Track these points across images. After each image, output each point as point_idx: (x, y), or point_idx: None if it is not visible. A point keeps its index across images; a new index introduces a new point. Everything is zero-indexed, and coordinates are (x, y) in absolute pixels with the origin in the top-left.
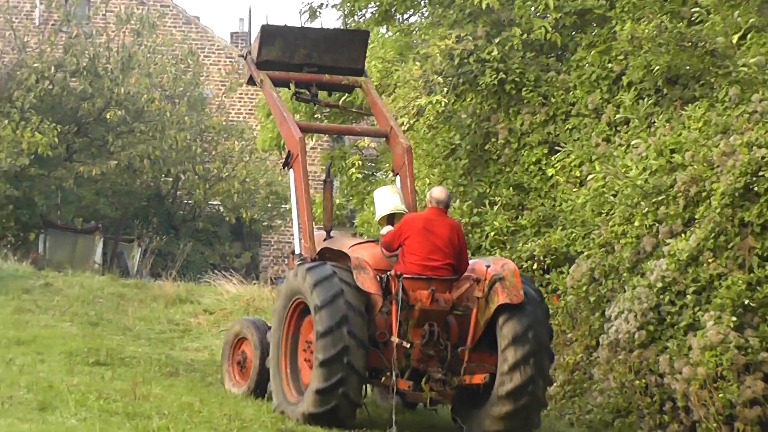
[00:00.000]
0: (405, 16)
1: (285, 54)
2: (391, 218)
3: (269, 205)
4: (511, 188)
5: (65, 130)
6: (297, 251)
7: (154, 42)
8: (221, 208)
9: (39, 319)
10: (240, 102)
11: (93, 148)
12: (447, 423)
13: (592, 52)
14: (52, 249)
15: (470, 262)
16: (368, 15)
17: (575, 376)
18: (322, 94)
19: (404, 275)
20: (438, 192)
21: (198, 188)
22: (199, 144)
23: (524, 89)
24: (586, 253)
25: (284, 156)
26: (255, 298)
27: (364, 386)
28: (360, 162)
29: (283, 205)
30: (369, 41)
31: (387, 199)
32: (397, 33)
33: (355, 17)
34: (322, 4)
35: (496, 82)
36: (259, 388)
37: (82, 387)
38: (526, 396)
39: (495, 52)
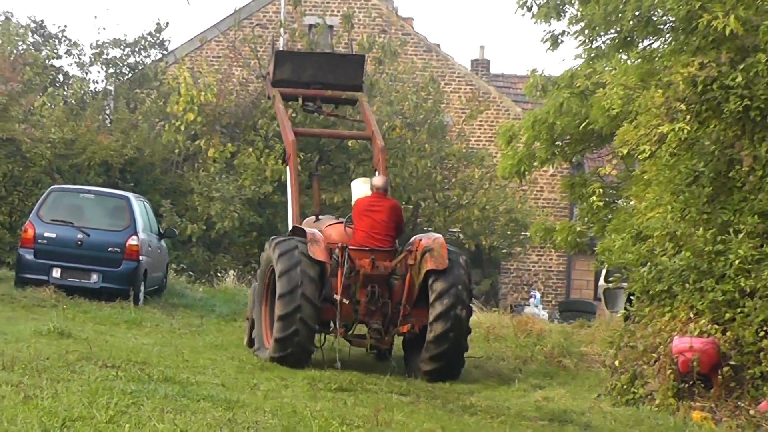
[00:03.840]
0: (646, 42)
1: (294, 74)
2: None
3: (509, 232)
4: (756, 216)
5: (308, 158)
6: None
7: (395, 70)
8: (461, 235)
9: None
10: (480, 129)
11: (335, 175)
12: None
13: None
14: None
15: (413, 237)
16: (608, 42)
17: None
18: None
19: (350, 246)
20: (377, 180)
21: (438, 215)
22: (440, 171)
23: None
24: None
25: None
26: (495, 326)
27: (316, 336)
28: (601, 189)
29: (522, 233)
30: (365, 62)
31: (361, 189)
32: (639, 59)
33: (594, 44)
34: (563, 32)
35: (740, 108)
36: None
37: (325, 413)
38: (448, 342)
39: (739, 79)
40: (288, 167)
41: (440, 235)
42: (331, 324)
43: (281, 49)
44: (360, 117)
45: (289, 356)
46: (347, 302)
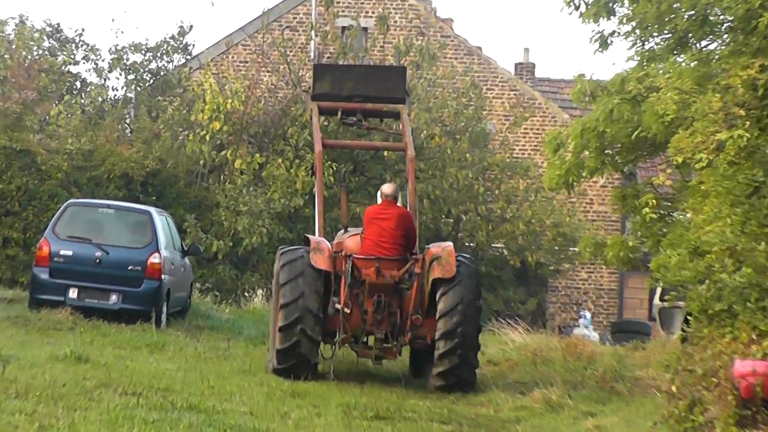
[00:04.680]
0: (703, 43)
1: (335, 87)
2: None
3: (556, 248)
4: None
5: (341, 169)
6: None
7: (434, 74)
8: (505, 251)
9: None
10: (525, 138)
11: (370, 187)
12: (382, 374)
13: None
14: None
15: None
16: (661, 43)
17: None
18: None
19: (354, 255)
20: (386, 188)
21: (480, 230)
22: (482, 183)
23: None
24: None
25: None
26: (542, 348)
27: (327, 346)
28: (654, 201)
29: (571, 248)
30: (407, 74)
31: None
32: (695, 62)
33: (646, 45)
34: (613, 32)
35: None
36: None
37: None
38: (455, 359)
39: None
40: (315, 179)
41: (450, 243)
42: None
43: (314, 56)
44: (396, 128)
45: (292, 368)
46: (348, 311)
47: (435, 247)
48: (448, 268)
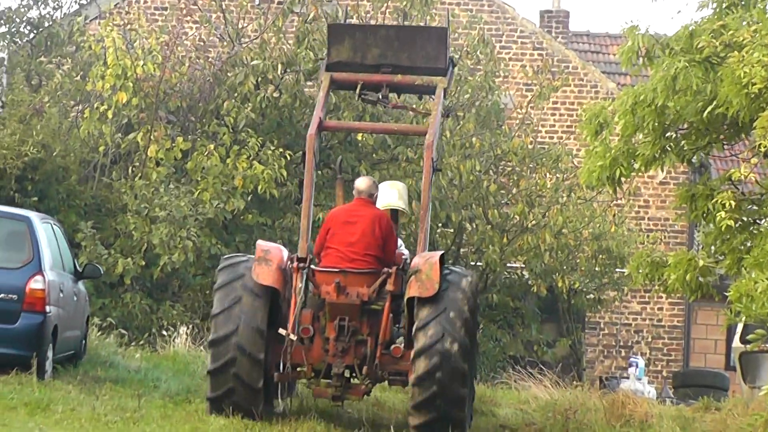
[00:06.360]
0: None
1: (357, 54)
2: (394, 214)
3: (597, 269)
4: None
5: (297, 159)
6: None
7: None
8: (525, 274)
9: None
10: (554, 115)
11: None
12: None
13: None
14: None
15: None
16: None
17: None
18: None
19: (313, 267)
20: (360, 182)
21: (492, 244)
22: (493, 178)
23: None
24: None
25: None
26: (577, 408)
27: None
28: (734, 203)
29: (618, 270)
30: (448, 36)
31: (384, 194)
32: None
33: None
34: None
35: None
36: None
37: None
38: (433, 411)
39: None
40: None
41: (439, 253)
42: (296, 367)
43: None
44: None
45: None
46: (296, 339)
47: (417, 258)
48: (428, 284)
